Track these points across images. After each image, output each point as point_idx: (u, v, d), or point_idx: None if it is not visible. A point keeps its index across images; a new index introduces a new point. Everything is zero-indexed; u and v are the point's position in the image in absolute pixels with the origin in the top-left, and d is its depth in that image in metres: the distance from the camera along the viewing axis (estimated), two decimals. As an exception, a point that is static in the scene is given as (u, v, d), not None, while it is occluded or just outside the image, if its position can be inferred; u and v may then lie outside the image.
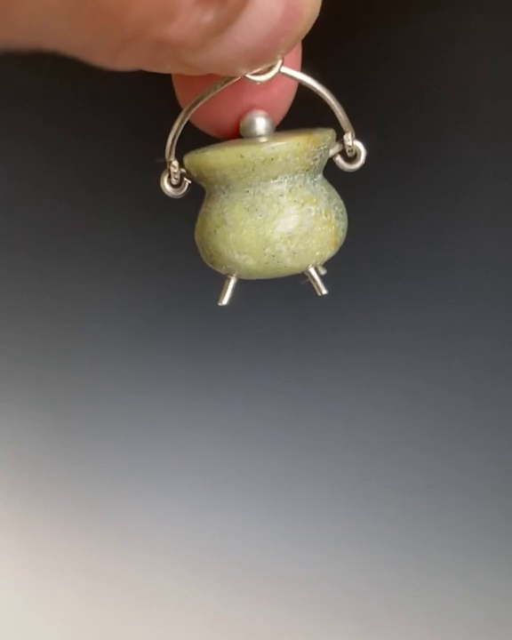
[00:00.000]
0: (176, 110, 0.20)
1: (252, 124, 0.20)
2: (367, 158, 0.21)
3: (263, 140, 0.20)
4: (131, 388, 0.38)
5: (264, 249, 0.19)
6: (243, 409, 0.37)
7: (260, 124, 0.20)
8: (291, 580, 0.36)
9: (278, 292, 0.35)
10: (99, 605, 0.37)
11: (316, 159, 0.20)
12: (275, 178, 0.19)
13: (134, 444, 0.37)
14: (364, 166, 0.21)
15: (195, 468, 0.37)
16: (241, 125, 0.20)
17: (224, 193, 0.20)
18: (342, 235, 0.20)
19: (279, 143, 0.19)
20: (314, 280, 0.20)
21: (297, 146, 0.19)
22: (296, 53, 0.20)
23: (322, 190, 0.20)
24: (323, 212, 0.20)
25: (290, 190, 0.19)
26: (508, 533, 0.35)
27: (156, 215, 0.35)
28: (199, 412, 0.37)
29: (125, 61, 0.15)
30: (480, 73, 0.33)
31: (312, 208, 0.20)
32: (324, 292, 0.20)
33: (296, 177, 0.19)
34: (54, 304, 0.37)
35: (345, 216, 0.21)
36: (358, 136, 0.21)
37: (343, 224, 0.20)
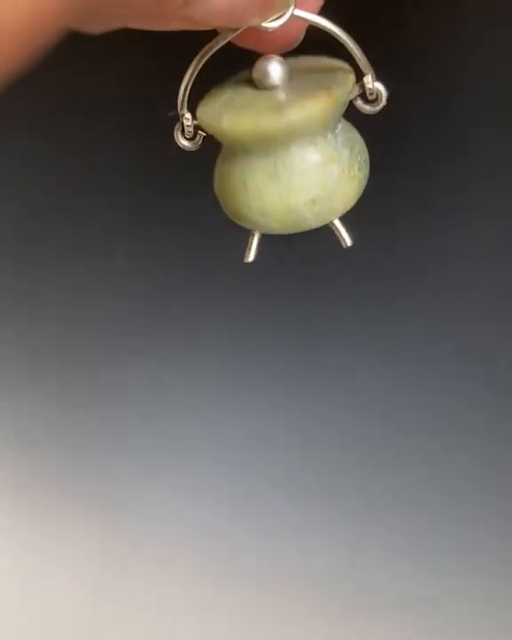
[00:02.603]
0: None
1: (265, 75, 0.19)
2: (388, 99, 0.20)
3: (281, 96, 0.19)
4: (132, 377, 0.37)
5: (288, 214, 0.19)
6: (244, 399, 0.37)
7: (275, 73, 0.19)
8: (294, 571, 0.36)
9: (278, 288, 0.35)
10: (100, 594, 0.37)
11: (336, 114, 0.19)
12: (296, 141, 0.19)
13: (135, 434, 0.37)
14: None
15: (196, 460, 0.37)
16: (254, 76, 0.19)
17: (243, 155, 0.19)
18: (365, 182, 0.20)
19: (300, 114, 0.18)
20: (339, 233, 0.20)
21: (319, 112, 0.18)
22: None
23: (343, 143, 0.19)
24: (346, 168, 0.19)
25: (312, 152, 0.19)
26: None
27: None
28: (201, 402, 0.37)
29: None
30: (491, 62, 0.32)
31: (334, 168, 0.19)
32: (349, 243, 0.20)
33: (318, 137, 0.19)
34: (53, 291, 0.37)
35: (367, 161, 0.20)
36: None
37: (366, 171, 0.20)
